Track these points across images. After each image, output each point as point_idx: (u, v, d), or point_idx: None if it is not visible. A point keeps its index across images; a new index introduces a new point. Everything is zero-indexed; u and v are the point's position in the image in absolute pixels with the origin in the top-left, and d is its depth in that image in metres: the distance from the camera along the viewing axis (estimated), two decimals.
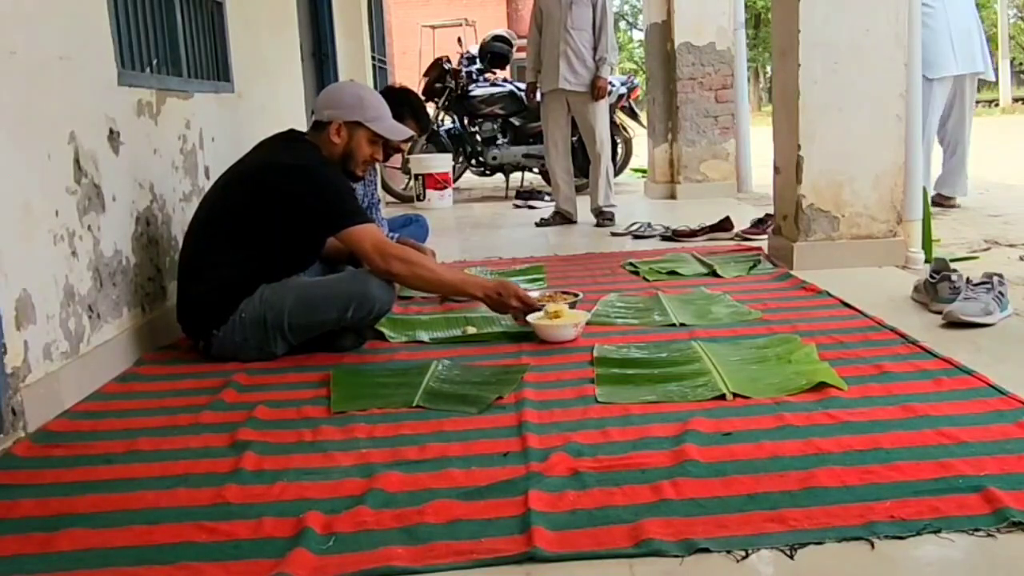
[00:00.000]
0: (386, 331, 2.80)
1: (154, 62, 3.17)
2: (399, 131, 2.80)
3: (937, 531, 1.39)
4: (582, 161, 7.33)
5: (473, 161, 7.63)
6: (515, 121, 7.45)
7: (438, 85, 7.46)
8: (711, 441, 1.80)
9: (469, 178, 8.08)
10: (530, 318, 2.67)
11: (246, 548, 1.46)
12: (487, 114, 7.48)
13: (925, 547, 1.37)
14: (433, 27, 14.00)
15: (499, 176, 7.72)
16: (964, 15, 5.29)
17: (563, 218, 5.64)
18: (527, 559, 1.37)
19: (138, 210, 2.84)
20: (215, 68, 3.86)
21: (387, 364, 2.54)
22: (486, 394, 2.15)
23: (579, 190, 7.50)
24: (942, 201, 5.57)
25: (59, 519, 1.59)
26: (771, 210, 4.08)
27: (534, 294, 2.98)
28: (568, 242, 4.75)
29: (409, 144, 3.27)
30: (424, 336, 2.78)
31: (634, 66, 37.28)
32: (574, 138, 7.29)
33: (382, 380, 2.34)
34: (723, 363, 2.31)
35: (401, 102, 3.39)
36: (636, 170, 8.46)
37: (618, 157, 7.35)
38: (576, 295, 2.98)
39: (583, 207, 5.63)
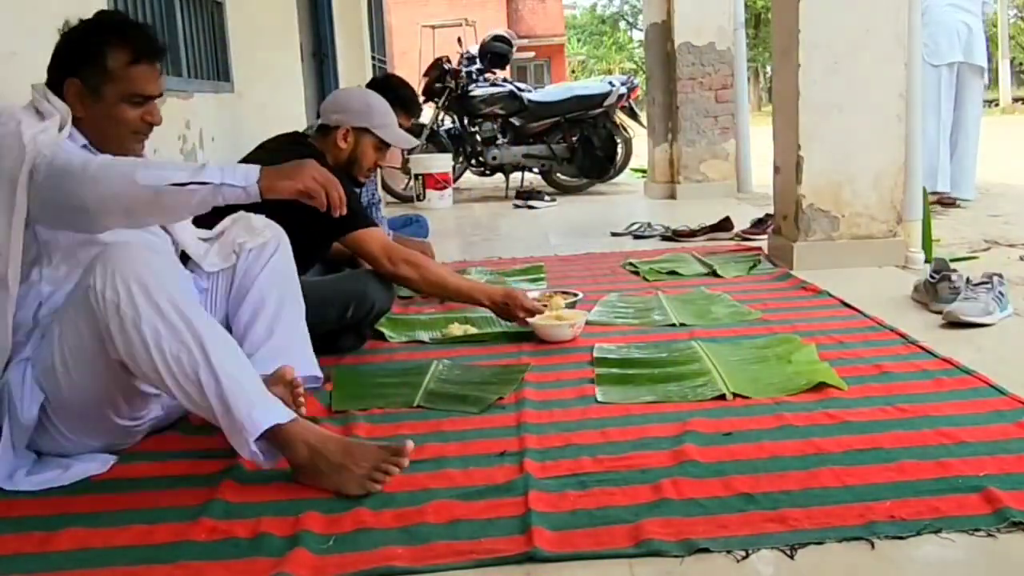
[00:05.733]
0: (386, 331, 2.80)
1: None
2: (406, 140, 2.81)
3: (937, 531, 1.39)
4: (582, 161, 7.36)
5: (473, 161, 7.63)
6: (515, 121, 7.45)
7: (438, 85, 7.46)
8: (711, 441, 1.80)
9: (469, 178, 8.08)
10: (529, 320, 2.67)
11: (245, 547, 1.46)
12: (487, 114, 7.48)
13: (925, 547, 1.37)
14: (433, 27, 14.00)
15: (499, 176, 7.72)
16: (963, 8, 5.45)
17: None
18: (527, 559, 1.37)
19: None
20: (215, 68, 3.86)
21: (387, 364, 2.53)
22: (487, 394, 2.15)
23: (580, 190, 7.53)
24: (945, 200, 5.58)
25: (59, 518, 1.59)
26: (771, 210, 4.08)
27: (533, 294, 2.98)
28: (568, 242, 4.75)
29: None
30: (424, 336, 2.78)
31: (634, 66, 37.31)
32: (575, 138, 7.33)
33: (383, 380, 2.34)
34: (723, 363, 2.31)
35: (384, 90, 3.26)
36: (636, 170, 8.46)
37: (618, 157, 7.36)
38: (576, 295, 2.99)
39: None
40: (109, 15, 1.86)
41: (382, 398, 2.18)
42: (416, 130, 3.60)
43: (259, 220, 2.12)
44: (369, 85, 3.22)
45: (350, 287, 2.59)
